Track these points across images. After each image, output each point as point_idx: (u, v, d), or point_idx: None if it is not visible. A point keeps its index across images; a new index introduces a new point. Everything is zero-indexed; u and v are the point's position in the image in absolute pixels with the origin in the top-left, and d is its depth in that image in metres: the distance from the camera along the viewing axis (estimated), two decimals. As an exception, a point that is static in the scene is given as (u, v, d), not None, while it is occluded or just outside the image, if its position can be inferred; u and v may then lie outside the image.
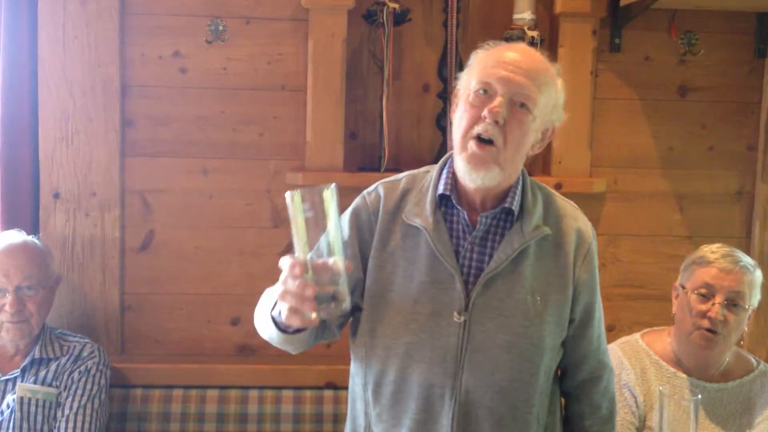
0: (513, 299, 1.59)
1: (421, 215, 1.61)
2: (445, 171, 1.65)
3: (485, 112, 1.52)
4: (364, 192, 1.72)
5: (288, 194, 1.32)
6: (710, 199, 2.63)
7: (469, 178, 1.56)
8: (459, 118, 1.58)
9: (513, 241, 1.59)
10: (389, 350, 1.60)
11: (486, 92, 1.54)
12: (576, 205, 1.73)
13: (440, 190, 1.62)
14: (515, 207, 1.61)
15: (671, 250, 2.61)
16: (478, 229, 1.61)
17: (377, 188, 1.70)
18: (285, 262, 1.34)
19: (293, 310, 1.35)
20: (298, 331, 1.50)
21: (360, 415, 1.69)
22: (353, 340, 1.70)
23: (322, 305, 1.33)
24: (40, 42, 2.40)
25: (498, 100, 1.52)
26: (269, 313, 1.53)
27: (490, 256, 1.60)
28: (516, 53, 1.57)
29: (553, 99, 1.59)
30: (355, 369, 1.71)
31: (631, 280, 2.63)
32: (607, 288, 2.56)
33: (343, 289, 1.34)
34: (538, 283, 1.61)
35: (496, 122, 1.51)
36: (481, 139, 1.53)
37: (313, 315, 1.34)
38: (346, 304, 1.35)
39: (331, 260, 1.33)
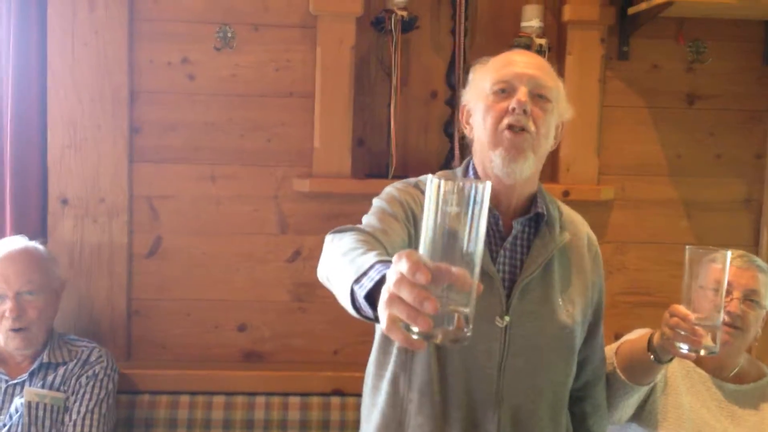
0: (547, 303, 1.63)
1: None
2: (470, 174, 1.68)
3: (513, 103, 1.55)
4: (407, 182, 1.68)
5: (433, 181, 0.99)
6: (718, 207, 2.63)
7: (508, 170, 1.57)
8: (483, 120, 1.60)
9: (547, 246, 1.63)
10: (431, 356, 1.59)
11: (504, 90, 1.58)
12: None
13: None
14: (545, 212, 1.65)
15: (679, 258, 2.54)
16: (513, 234, 1.63)
17: (417, 184, 1.66)
18: (405, 261, 0.96)
19: (394, 321, 0.98)
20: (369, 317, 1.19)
21: (396, 406, 1.63)
22: (384, 340, 1.66)
23: (437, 327, 0.97)
24: (49, 48, 2.40)
25: (522, 90, 1.57)
26: (349, 286, 1.18)
27: (521, 261, 1.63)
28: (521, 54, 1.67)
29: (562, 94, 1.66)
30: (395, 365, 1.64)
31: (638, 288, 2.63)
32: (614, 295, 2.56)
33: (471, 313, 1.00)
34: (565, 286, 1.65)
35: (524, 111, 1.55)
36: (513, 129, 1.56)
37: (419, 336, 0.98)
38: (468, 333, 1.01)
39: (466, 273, 0.98)
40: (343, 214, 2.46)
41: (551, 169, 2.57)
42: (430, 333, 0.97)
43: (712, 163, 2.62)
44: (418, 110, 2.55)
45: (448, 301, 0.97)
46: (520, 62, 1.61)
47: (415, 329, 0.97)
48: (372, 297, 1.11)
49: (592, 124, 2.51)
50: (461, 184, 0.98)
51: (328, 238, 1.41)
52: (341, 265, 1.26)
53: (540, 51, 2.40)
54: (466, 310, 0.99)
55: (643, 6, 2.38)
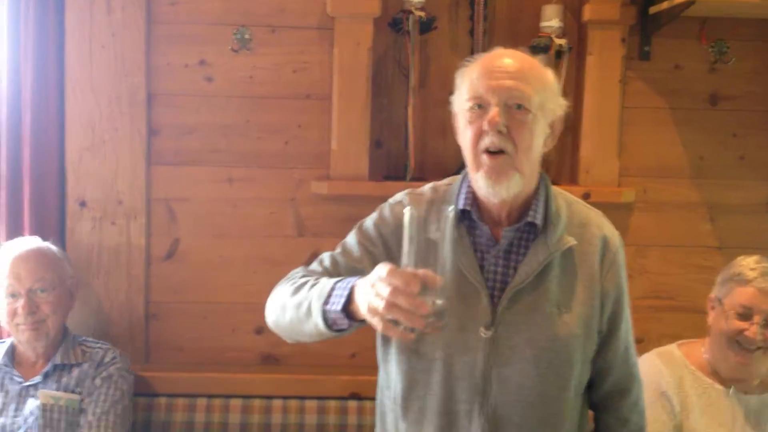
0: (539, 313, 1.56)
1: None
2: (465, 186, 1.63)
3: (485, 125, 1.50)
4: (391, 201, 1.71)
5: (412, 213, 1.32)
6: (741, 210, 2.58)
7: (493, 192, 1.54)
8: (462, 137, 1.57)
9: (538, 255, 1.57)
10: (416, 365, 1.59)
11: (480, 106, 1.52)
12: (601, 213, 1.70)
13: (461, 205, 1.60)
14: (538, 220, 1.58)
15: (701, 261, 2.56)
16: (502, 243, 1.59)
17: (403, 200, 1.68)
18: (398, 276, 1.28)
19: (389, 322, 1.30)
20: (342, 330, 1.49)
21: (391, 428, 1.67)
22: (382, 352, 1.68)
23: (428, 322, 1.30)
24: (67, 52, 2.41)
25: (494, 110, 1.50)
26: (321, 306, 1.47)
27: (515, 270, 1.58)
28: (498, 58, 1.56)
29: (550, 89, 1.57)
30: (383, 381, 1.69)
31: (660, 292, 2.59)
32: (635, 300, 2.50)
33: (445, 303, 1.31)
34: (564, 295, 1.58)
35: (500, 132, 1.50)
36: (490, 152, 1.52)
37: (414, 331, 1.30)
38: (446, 321, 1.32)
39: (438, 276, 1.29)
40: (361, 217, 2.42)
41: (571, 170, 2.54)
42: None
43: (735, 165, 2.58)
44: (436, 112, 2.53)
45: (425, 298, 1.28)
46: (496, 71, 1.52)
47: (410, 329, 1.30)
48: (344, 309, 1.43)
49: (612, 125, 2.48)
50: (428, 216, 1.31)
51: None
52: (296, 298, 1.56)
53: (560, 51, 2.39)
54: (440, 302, 1.29)
55: (664, 5, 2.35)
